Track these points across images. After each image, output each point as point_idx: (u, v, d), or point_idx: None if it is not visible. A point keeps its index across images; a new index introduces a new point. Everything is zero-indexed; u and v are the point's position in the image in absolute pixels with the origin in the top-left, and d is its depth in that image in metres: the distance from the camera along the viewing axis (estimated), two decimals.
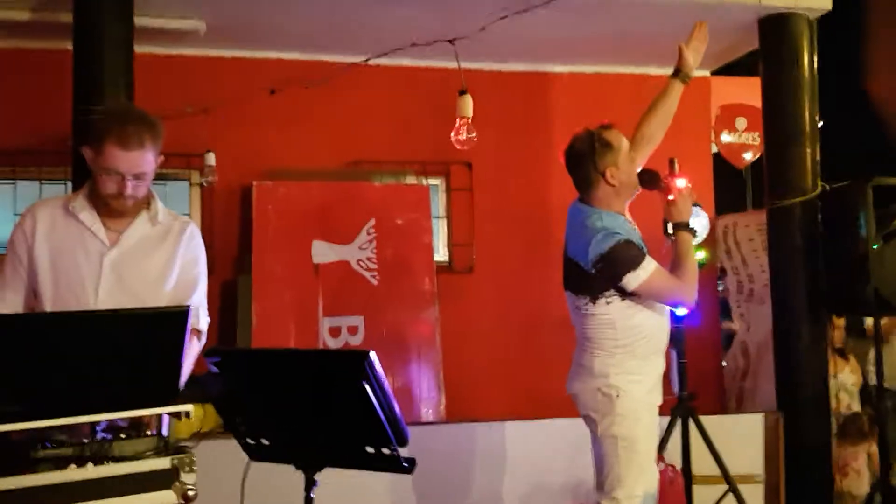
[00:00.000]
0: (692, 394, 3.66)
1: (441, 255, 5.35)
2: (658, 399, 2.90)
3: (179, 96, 4.39)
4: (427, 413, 4.73)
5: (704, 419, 3.66)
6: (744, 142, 5.95)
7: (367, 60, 4.34)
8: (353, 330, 4.72)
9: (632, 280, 2.71)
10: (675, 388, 3.73)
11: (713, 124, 5.86)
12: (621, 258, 2.71)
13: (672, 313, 3.78)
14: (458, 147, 3.43)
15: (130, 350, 1.75)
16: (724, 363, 5.54)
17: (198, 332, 2.33)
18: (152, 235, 2.31)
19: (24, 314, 2.15)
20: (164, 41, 4.62)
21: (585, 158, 2.91)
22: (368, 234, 4.85)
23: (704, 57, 5.40)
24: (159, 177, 2.34)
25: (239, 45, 4.86)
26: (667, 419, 3.83)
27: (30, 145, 4.59)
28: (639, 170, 2.94)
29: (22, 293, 2.24)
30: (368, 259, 4.82)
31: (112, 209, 2.24)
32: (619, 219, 2.89)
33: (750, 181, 6.87)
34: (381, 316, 4.75)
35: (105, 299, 2.21)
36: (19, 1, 4.16)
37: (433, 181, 5.37)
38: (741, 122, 5.96)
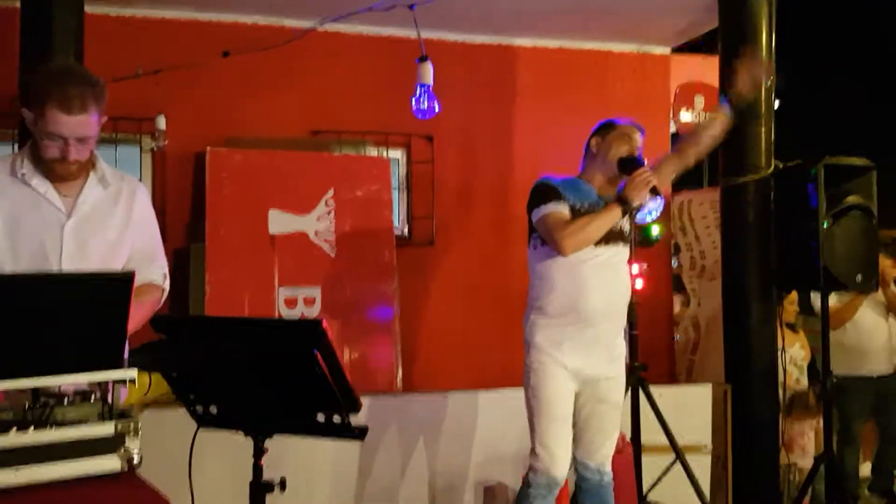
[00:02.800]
0: (643, 364, 3.72)
1: (401, 227, 5.34)
2: (578, 364, 2.89)
3: (131, 58, 4.27)
4: (384, 384, 4.73)
5: (654, 389, 3.73)
6: (701, 120, 6.02)
7: (322, 23, 4.25)
8: (309, 301, 4.69)
9: (534, 215, 2.88)
10: (627, 358, 3.80)
11: (672, 102, 5.91)
12: (535, 195, 2.90)
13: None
14: (420, 116, 3.40)
15: (74, 315, 1.71)
16: (676, 336, 5.65)
17: (161, 290, 2.33)
18: (105, 199, 2.26)
19: None
20: (116, 1, 4.48)
21: (593, 130, 3.04)
22: (327, 205, 4.80)
23: (665, 34, 5.49)
24: (109, 141, 2.28)
25: (193, 6, 4.73)
26: None
27: None
28: (623, 155, 2.92)
29: None
30: (327, 230, 4.78)
31: (56, 173, 2.17)
32: (576, 182, 2.96)
33: (706, 159, 6.96)
34: (339, 288, 4.73)
35: (68, 268, 2.15)
36: None
37: (394, 153, 5.34)
38: (699, 101, 6.02)
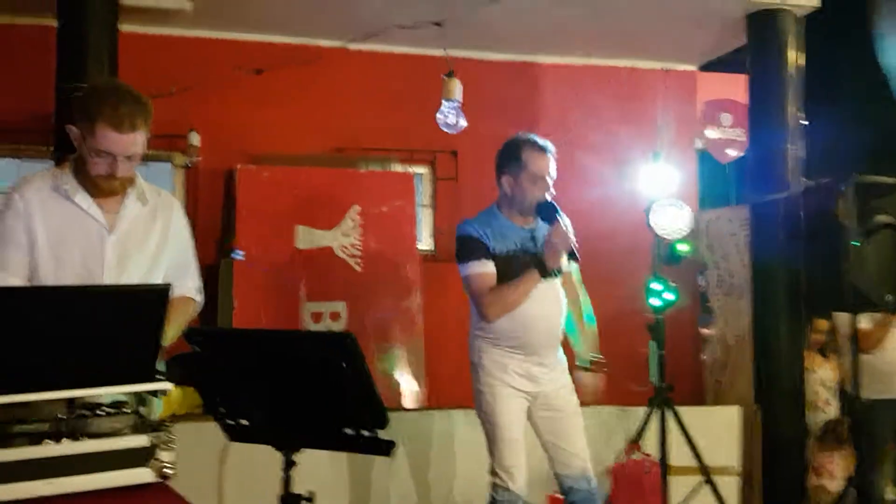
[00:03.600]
0: (670, 385, 3.70)
1: (425, 243, 5.35)
2: (525, 385, 2.95)
3: (164, 76, 4.35)
4: (408, 400, 4.74)
5: (681, 410, 3.69)
6: (728, 137, 5.98)
7: (351, 43, 4.31)
8: (335, 316, 4.72)
9: (460, 269, 2.97)
10: (654, 378, 3.77)
11: (699, 119, 5.88)
12: (460, 248, 2.97)
13: (651, 305, 3.82)
14: (446, 131, 3.42)
15: (110, 327, 1.73)
16: (703, 356, 5.59)
17: (195, 303, 2.39)
18: (144, 214, 2.29)
19: (5, 288, 2.08)
20: (149, 20, 4.57)
21: (498, 157, 3.08)
22: (352, 220, 4.84)
23: (691, 52, 5.48)
24: (142, 157, 2.31)
25: (225, 26, 4.82)
26: (643, 409, 3.88)
27: (10, 122, 4.53)
28: (540, 200, 2.93)
29: (23, 278, 2.16)
30: (352, 245, 4.81)
31: (102, 190, 2.20)
32: (496, 219, 2.99)
33: (734, 176, 6.91)
34: (364, 302, 4.75)
35: (109, 282, 2.18)
36: None
37: (419, 169, 5.37)
38: (726, 118, 5.98)
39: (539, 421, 3.00)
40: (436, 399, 4.88)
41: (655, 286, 3.89)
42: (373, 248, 4.84)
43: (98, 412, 1.77)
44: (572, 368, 3.09)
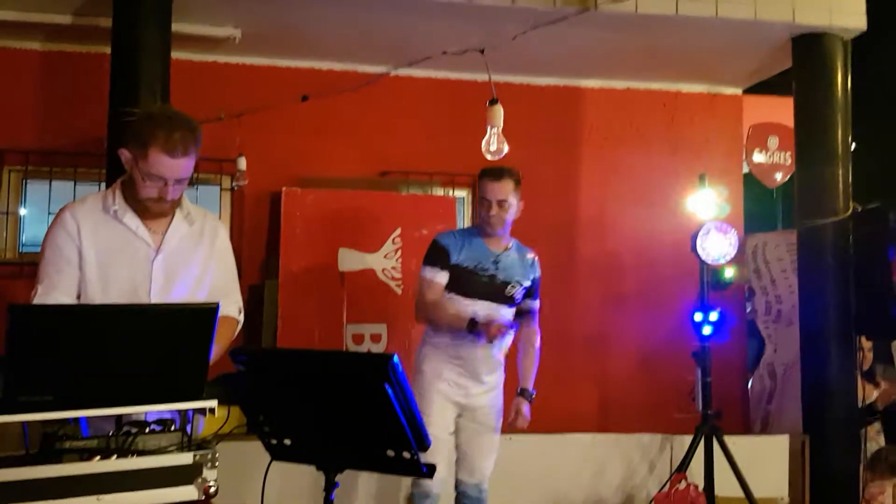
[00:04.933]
0: (717, 413, 3.62)
1: None
2: (456, 395, 3.16)
3: (213, 102, 4.46)
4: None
5: (729, 439, 3.61)
6: (775, 161, 5.89)
7: (395, 69, 4.38)
8: (376, 338, 4.74)
9: (420, 269, 3.21)
10: (700, 406, 3.69)
11: (745, 143, 5.81)
12: (428, 251, 3.19)
13: (698, 333, 3.78)
14: (489, 158, 3.44)
15: (159, 345, 1.77)
16: (749, 384, 5.47)
17: (236, 323, 2.43)
18: (190, 235, 2.34)
19: (59, 306, 2.15)
20: (200, 48, 4.70)
21: None
22: (394, 243, 4.87)
23: (736, 75, 5.42)
24: (191, 180, 2.36)
25: (273, 53, 4.93)
26: (689, 438, 3.80)
27: (66, 146, 4.68)
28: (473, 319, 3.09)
29: (72, 296, 2.22)
30: (393, 268, 4.84)
31: (152, 212, 2.26)
32: (473, 237, 3.18)
33: (781, 201, 6.80)
34: (405, 325, 4.76)
35: (156, 301, 2.23)
36: (61, 5, 4.25)
37: (460, 193, 5.39)
38: (773, 142, 5.90)
39: (461, 429, 3.21)
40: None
41: (702, 312, 3.83)
42: (414, 271, 4.86)
43: (146, 429, 1.80)
44: (512, 393, 3.31)
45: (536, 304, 3.33)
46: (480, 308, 3.10)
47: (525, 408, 3.29)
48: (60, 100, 4.76)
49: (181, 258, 2.31)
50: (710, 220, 3.91)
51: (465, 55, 4.17)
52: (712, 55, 4.99)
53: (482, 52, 3.47)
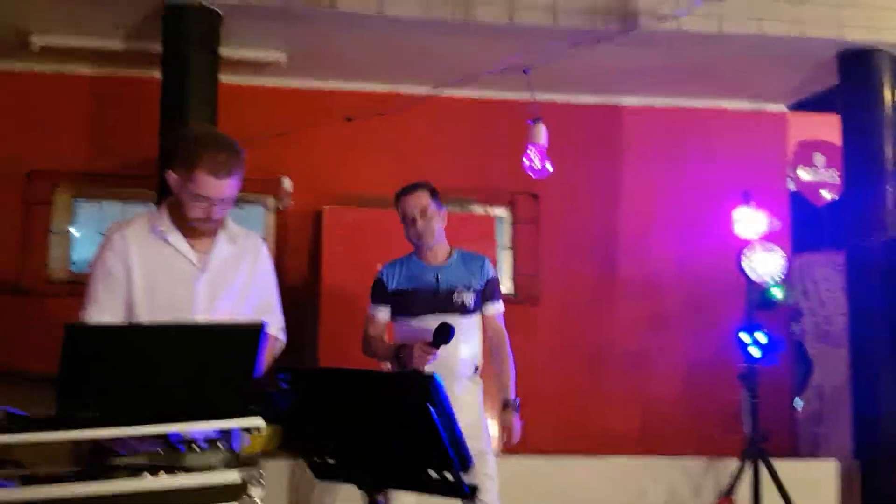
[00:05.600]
0: (764, 436, 3.54)
1: (506, 286, 5.34)
2: None
3: (259, 124, 4.55)
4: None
5: (776, 463, 3.53)
6: (822, 179, 5.78)
7: (436, 90, 4.43)
8: None
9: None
10: (746, 428, 3.62)
11: (790, 160, 5.71)
12: (372, 288, 3.25)
13: (744, 353, 3.71)
14: (533, 176, 3.44)
15: (206, 363, 1.79)
16: (797, 406, 5.34)
17: (278, 342, 2.43)
18: (233, 254, 2.37)
19: (112, 325, 2.18)
20: (246, 71, 4.81)
21: None
22: None
23: (781, 92, 5.35)
24: (237, 200, 2.40)
25: (316, 76, 5.02)
26: (735, 461, 3.72)
27: (116, 168, 4.82)
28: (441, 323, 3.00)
29: (121, 316, 2.25)
30: None
31: (197, 231, 2.30)
32: (410, 260, 3.19)
33: (828, 219, 6.66)
34: None
35: (200, 320, 2.26)
36: (112, 31, 4.39)
37: (498, 212, 5.39)
38: (819, 159, 5.79)
39: None
40: (515, 444, 4.81)
41: (749, 333, 3.77)
42: None
43: (193, 447, 1.82)
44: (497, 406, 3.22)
45: (497, 306, 3.20)
46: (432, 323, 3.01)
47: (514, 421, 3.15)
48: (111, 123, 4.90)
49: (224, 277, 2.34)
50: (756, 238, 3.85)
51: (503, 74, 4.20)
52: (756, 72, 4.94)
53: (525, 71, 3.48)
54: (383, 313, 3.20)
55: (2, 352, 4.56)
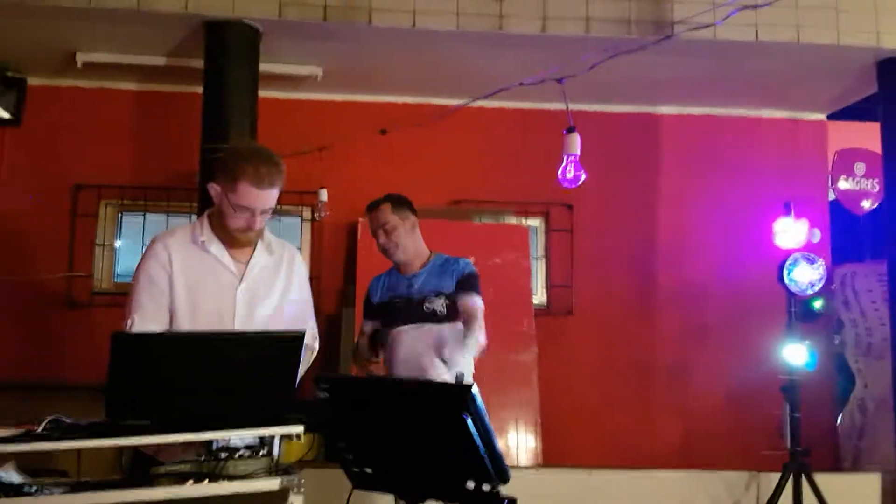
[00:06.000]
0: (806, 449, 3.48)
1: (540, 296, 5.33)
2: None
3: (296, 137, 4.62)
4: (523, 455, 4.67)
5: (818, 477, 3.46)
6: (863, 188, 5.67)
7: (469, 101, 4.45)
8: None
9: None
10: (788, 442, 3.56)
11: (830, 170, 5.62)
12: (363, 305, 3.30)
13: (785, 365, 3.64)
14: (566, 185, 3.44)
15: (247, 372, 1.83)
16: (839, 419, 5.23)
17: (312, 351, 2.47)
18: (270, 265, 2.43)
19: (158, 334, 2.23)
20: (284, 86, 4.90)
21: None
22: None
23: (819, 100, 5.28)
24: (274, 212, 2.45)
25: (352, 89, 5.09)
26: (777, 475, 3.66)
27: (159, 181, 4.93)
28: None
29: (163, 324, 2.31)
30: None
31: (239, 242, 2.36)
32: (391, 273, 3.23)
33: (869, 229, 6.52)
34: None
35: (239, 329, 2.31)
36: (155, 47, 4.50)
37: (532, 222, 5.39)
38: (860, 168, 5.68)
39: None
40: (551, 454, 4.80)
41: (790, 345, 3.71)
42: (487, 300, 4.85)
43: (235, 455, 1.86)
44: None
45: (468, 296, 3.08)
46: (406, 332, 3.07)
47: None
48: (154, 137, 5.02)
49: (262, 287, 2.39)
50: (796, 248, 3.80)
51: (539, 85, 4.21)
52: (794, 80, 4.88)
53: (560, 81, 3.48)
54: (367, 326, 3.26)
55: (49, 363, 4.68)
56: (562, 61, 4.24)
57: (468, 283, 3.15)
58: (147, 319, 2.30)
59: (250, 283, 2.37)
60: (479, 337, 3.05)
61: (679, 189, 5.41)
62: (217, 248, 2.36)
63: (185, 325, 2.31)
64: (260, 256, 2.41)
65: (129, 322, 2.31)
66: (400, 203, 3.20)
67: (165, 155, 4.92)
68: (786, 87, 5.02)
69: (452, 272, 3.14)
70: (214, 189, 2.34)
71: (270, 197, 2.29)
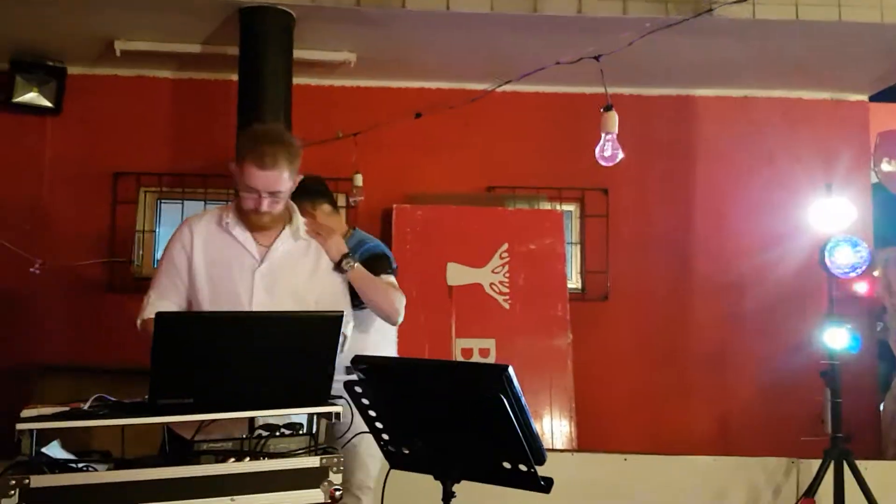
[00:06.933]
0: (847, 435, 3.42)
1: (574, 281, 5.31)
2: None
3: (331, 123, 4.64)
4: (558, 440, 4.67)
5: (860, 464, 3.40)
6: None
7: (503, 85, 4.42)
8: (484, 352, 4.76)
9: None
10: (829, 428, 3.51)
11: (872, 152, 5.49)
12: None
13: (826, 350, 3.58)
14: (603, 164, 3.39)
15: (290, 351, 1.85)
16: (881, 406, 5.13)
17: (344, 336, 2.45)
18: (296, 250, 2.44)
19: (200, 313, 2.28)
20: (318, 73, 4.92)
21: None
22: (502, 258, 4.90)
23: (861, 81, 5.15)
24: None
25: (386, 75, 5.09)
26: (817, 462, 3.61)
27: (196, 168, 4.99)
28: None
29: (177, 303, 2.37)
30: (501, 283, 4.86)
31: (252, 223, 2.38)
32: None
33: None
34: (513, 340, 4.76)
35: (258, 310, 2.33)
36: (191, 35, 4.54)
37: (567, 207, 5.35)
38: None
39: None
40: (585, 440, 4.78)
41: (830, 329, 3.64)
42: (521, 285, 4.86)
43: (275, 433, 1.89)
44: None
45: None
46: (357, 314, 2.91)
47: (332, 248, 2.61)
48: (191, 124, 5.08)
49: (283, 271, 2.39)
50: (837, 231, 3.72)
51: (573, 69, 4.16)
52: (835, 60, 4.77)
53: (597, 58, 3.44)
54: None
55: (93, 347, 4.78)
56: (598, 43, 4.19)
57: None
58: (162, 297, 2.36)
59: (270, 265, 2.38)
60: None
61: (716, 173, 5.33)
62: (240, 231, 2.39)
63: (205, 305, 2.35)
64: (284, 241, 2.42)
65: (146, 298, 2.38)
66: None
67: (202, 142, 4.98)
68: (826, 67, 4.90)
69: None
70: (232, 170, 2.39)
71: (274, 178, 2.29)
